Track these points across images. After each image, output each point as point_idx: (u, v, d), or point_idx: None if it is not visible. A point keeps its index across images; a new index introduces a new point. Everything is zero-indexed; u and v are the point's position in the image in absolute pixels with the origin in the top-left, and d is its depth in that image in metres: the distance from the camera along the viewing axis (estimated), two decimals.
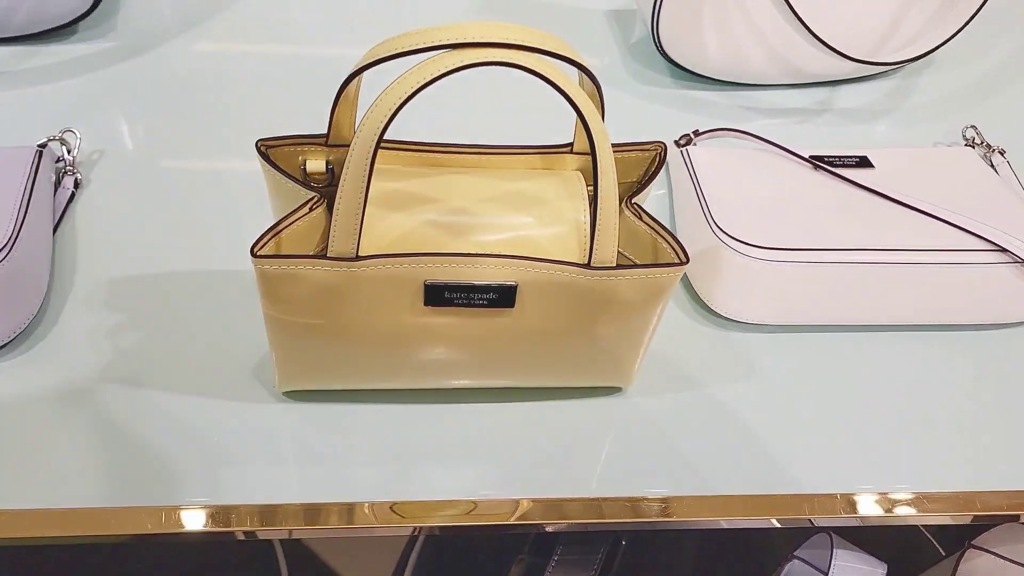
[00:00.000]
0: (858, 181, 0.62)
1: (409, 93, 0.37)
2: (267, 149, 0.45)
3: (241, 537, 0.47)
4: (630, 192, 0.47)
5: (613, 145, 0.47)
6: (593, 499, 0.48)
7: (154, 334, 0.53)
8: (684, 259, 0.44)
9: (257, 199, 0.59)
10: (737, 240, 0.57)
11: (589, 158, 0.47)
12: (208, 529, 0.46)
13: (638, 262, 0.47)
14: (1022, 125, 0.75)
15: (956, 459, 0.52)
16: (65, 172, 0.60)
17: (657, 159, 0.47)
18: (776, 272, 0.56)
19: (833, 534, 0.63)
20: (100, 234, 0.58)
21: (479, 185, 0.45)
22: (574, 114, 0.40)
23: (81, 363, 0.51)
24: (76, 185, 0.60)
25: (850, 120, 0.73)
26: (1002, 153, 0.70)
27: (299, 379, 0.50)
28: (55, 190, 0.59)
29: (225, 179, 0.62)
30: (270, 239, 0.42)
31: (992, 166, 0.70)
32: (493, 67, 0.36)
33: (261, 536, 0.48)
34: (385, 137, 0.45)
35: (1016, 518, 0.52)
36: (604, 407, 0.53)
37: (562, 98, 0.38)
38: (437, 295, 0.44)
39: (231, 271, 0.56)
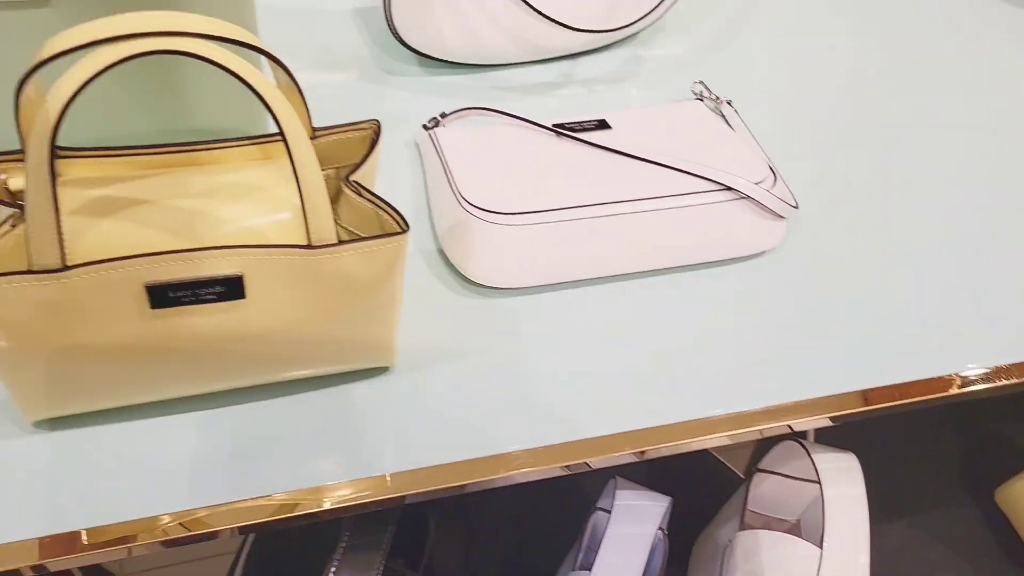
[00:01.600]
0: (596, 142, 0.66)
1: (76, 88, 0.36)
2: None
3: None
4: (349, 171, 0.48)
5: (329, 128, 0.49)
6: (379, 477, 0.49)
7: None
8: (404, 228, 0.46)
9: None
10: (481, 209, 0.59)
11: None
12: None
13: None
14: (747, 77, 0.81)
15: (720, 383, 0.56)
16: None
17: (373, 136, 0.49)
18: (521, 236, 0.59)
19: (619, 477, 0.67)
20: None
21: (195, 181, 0.45)
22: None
23: None
24: None
25: (592, 89, 0.77)
26: (729, 103, 0.76)
27: (45, 407, 0.48)
28: None
29: None
30: None
31: (723, 117, 0.76)
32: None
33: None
34: (82, 146, 0.45)
35: (794, 432, 0.57)
36: (374, 387, 0.54)
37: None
38: (162, 296, 0.43)
39: None
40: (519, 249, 0.59)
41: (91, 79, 0.36)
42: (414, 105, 0.72)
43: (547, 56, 0.77)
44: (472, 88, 0.75)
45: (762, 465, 0.76)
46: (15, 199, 0.45)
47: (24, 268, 0.41)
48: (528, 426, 0.53)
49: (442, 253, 0.62)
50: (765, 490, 0.76)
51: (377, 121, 0.49)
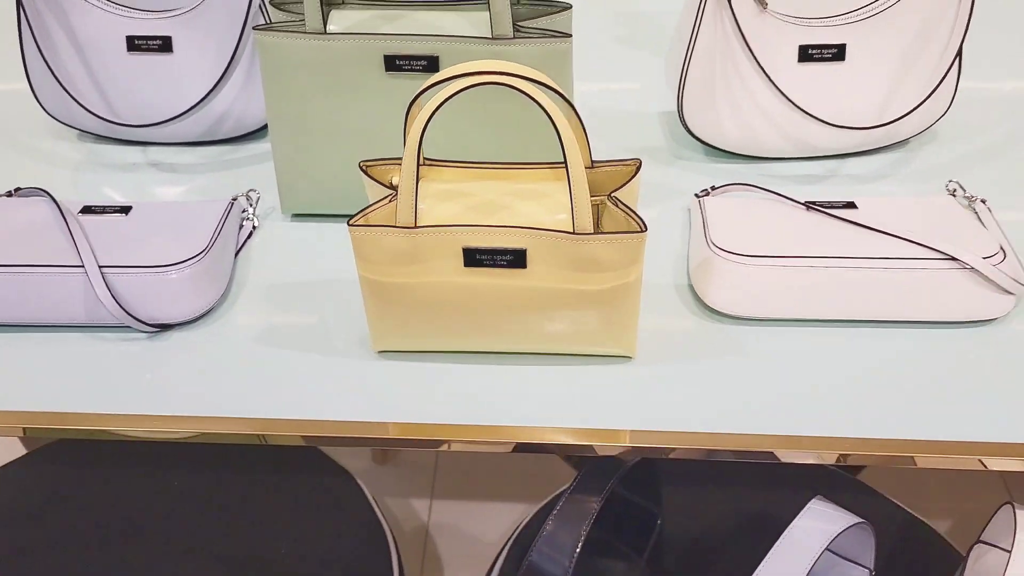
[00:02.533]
0: (841, 216, 0.77)
1: (437, 104, 0.58)
2: (367, 167, 0.67)
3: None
4: (613, 189, 0.66)
5: (605, 161, 0.67)
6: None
7: (293, 321, 0.76)
8: (643, 228, 0.62)
9: None
10: (722, 249, 0.73)
11: (587, 171, 0.67)
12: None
13: None
14: (1010, 187, 0.87)
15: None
16: (247, 218, 0.85)
17: (636, 169, 0.66)
18: (750, 273, 0.72)
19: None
20: (263, 260, 0.82)
21: (504, 187, 0.66)
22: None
23: (240, 335, 0.74)
24: (253, 227, 0.85)
25: (854, 183, 0.88)
26: (983, 202, 0.83)
27: (385, 338, 0.70)
28: (239, 229, 0.84)
29: None
30: (361, 216, 0.64)
31: (974, 212, 0.83)
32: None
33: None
34: (439, 158, 0.67)
35: None
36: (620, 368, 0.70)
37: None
38: (472, 257, 0.63)
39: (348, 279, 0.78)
40: (749, 284, 0.73)
41: (446, 100, 0.58)
42: (695, 182, 0.89)
43: (817, 154, 0.91)
44: (745, 174, 0.90)
45: (984, 537, 0.78)
46: (394, 188, 0.68)
47: (391, 224, 0.64)
48: (738, 415, 0.65)
49: (691, 288, 0.77)
50: (986, 565, 0.77)
51: (639, 160, 0.66)
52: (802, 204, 0.80)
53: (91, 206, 0.81)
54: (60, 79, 0.91)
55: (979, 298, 0.72)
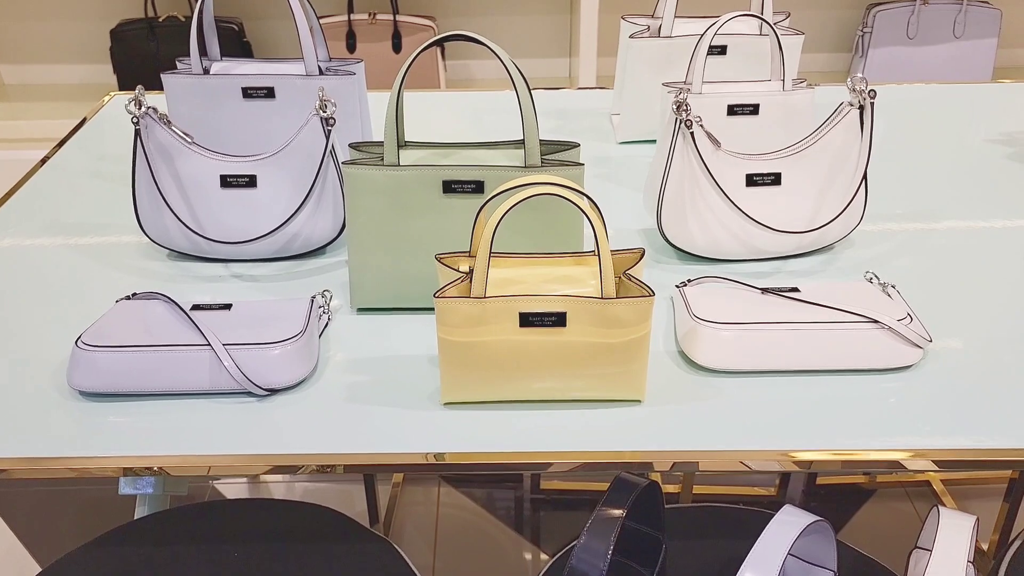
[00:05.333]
0: (789, 295, 1.02)
1: (509, 207, 0.82)
2: (441, 259, 0.91)
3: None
4: (625, 269, 0.90)
5: (621, 249, 0.91)
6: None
7: (370, 384, 0.96)
8: (651, 293, 0.86)
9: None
10: (704, 320, 0.97)
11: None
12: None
13: None
14: (911, 277, 1.14)
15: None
16: (324, 311, 1.07)
17: (641, 255, 0.91)
18: (725, 336, 0.96)
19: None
20: (341, 343, 1.03)
21: (545, 270, 0.90)
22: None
23: (332, 394, 0.95)
24: (328, 318, 1.07)
25: (795, 276, 1.14)
26: (893, 287, 1.10)
27: (453, 390, 0.91)
28: (319, 318, 1.06)
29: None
30: (442, 291, 0.87)
31: (887, 295, 1.09)
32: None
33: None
34: (494, 250, 0.91)
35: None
36: (631, 411, 0.91)
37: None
38: (526, 319, 0.86)
39: (408, 355, 1.00)
40: (725, 345, 0.96)
41: (516, 204, 0.82)
42: (674, 278, 1.14)
43: (765, 256, 1.17)
44: (712, 272, 1.15)
45: (919, 543, 0.98)
46: (460, 272, 0.91)
47: (467, 295, 0.86)
48: (726, 436, 0.88)
49: (680, 352, 1.00)
50: (920, 569, 0.98)
51: (643, 248, 0.91)
52: (759, 289, 1.05)
53: (198, 304, 1.02)
54: (170, 205, 1.14)
55: (894, 350, 0.96)
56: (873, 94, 1.11)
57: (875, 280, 1.11)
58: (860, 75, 1.12)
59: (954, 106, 1.69)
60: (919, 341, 0.97)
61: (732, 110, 1.28)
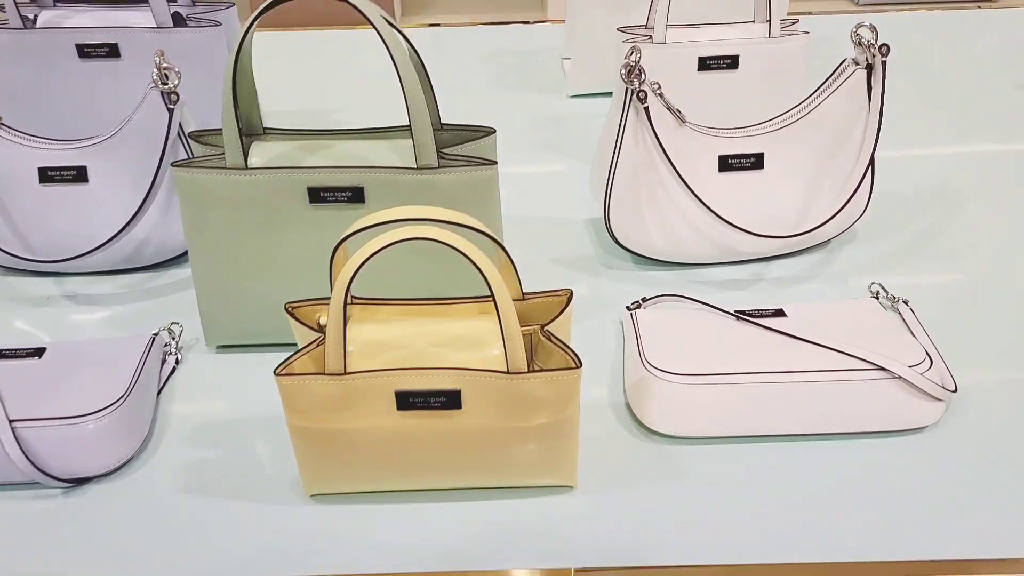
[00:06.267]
0: (771, 326, 0.78)
1: (359, 264, 0.57)
2: (293, 309, 0.66)
3: None
4: (545, 323, 0.65)
5: (534, 293, 0.67)
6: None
7: (220, 465, 0.72)
8: (578, 364, 0.61)
9: None
10: (658, 369, 0.73)
11: (519, 304, 0.67)
12: None
13: None
14: (929, 282, 0.90)
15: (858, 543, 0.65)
16: (169, 352, 0.82)
17: (567, 300, 0.66)
18: (687, 392, 0.72)
19: None
20: (188, 397, 0.79)
21: (435, 324, 0.65)
22: None
23: (164, 485, 0.71)
24: (176, 361, 0.82)
25: (779, 286, 0.90)
26: (906, 302, 0.85)
27: (318, 483, 0.67)
28: (161, 364, 0.81)
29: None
30: (287, 364, 0.62)
31: (898, 313, 0.85)
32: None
33: None
34: (367, 296, 0.66)
35: None
36: (558, 500, 0.68)
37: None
38: (405, 401, 0.62)
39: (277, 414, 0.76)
40: (687, 405, 0.72)
41: (368, 259, 0.57)
42: (625, 292, 0.89)
43: (741, 258, 0.92)
44: (674, 282, 0.90)
45: None
46: (321, 329, 0.66)
47: (320, 371, 0.62)
48: (687, 545, 0.64)
49: (628, 406, 0.77)
50: None
51: (570, 290, 0.66)
52: (732, 314, 0.80)
53: (2, 350, 0.78)
54: None
55: (909, 407, 0.73)
56: (886, 50, 0.85)
57: (882, 294, 0.87)
58: (867, 23, 0.85)
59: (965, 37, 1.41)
60: (939, 393, 0.73)
61: (704, 64, 1.01)
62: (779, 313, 0.81)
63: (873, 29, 0.85)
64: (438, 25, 1.48)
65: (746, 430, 0.73)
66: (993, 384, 0.78)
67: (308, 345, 0.64)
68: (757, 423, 0.73)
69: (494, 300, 0.59)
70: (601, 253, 0.95)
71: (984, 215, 1.00)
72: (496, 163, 0.74)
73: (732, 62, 1.01)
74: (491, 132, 0.78)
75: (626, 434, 0.75)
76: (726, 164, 0.89)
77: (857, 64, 0.86)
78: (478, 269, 0.58)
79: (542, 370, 0.62)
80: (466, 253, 0.57)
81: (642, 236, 0.90)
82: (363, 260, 0.57)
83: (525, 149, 1.15)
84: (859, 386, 0.72)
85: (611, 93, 0.91)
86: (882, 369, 0.73)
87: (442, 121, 0.78)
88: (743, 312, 0.81)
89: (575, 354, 0.63)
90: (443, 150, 0.75)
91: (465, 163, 0.74)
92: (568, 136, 1.18)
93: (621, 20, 1.15)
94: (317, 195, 0.74)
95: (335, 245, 0.62)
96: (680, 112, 0.86)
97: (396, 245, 0.57)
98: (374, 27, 0.68)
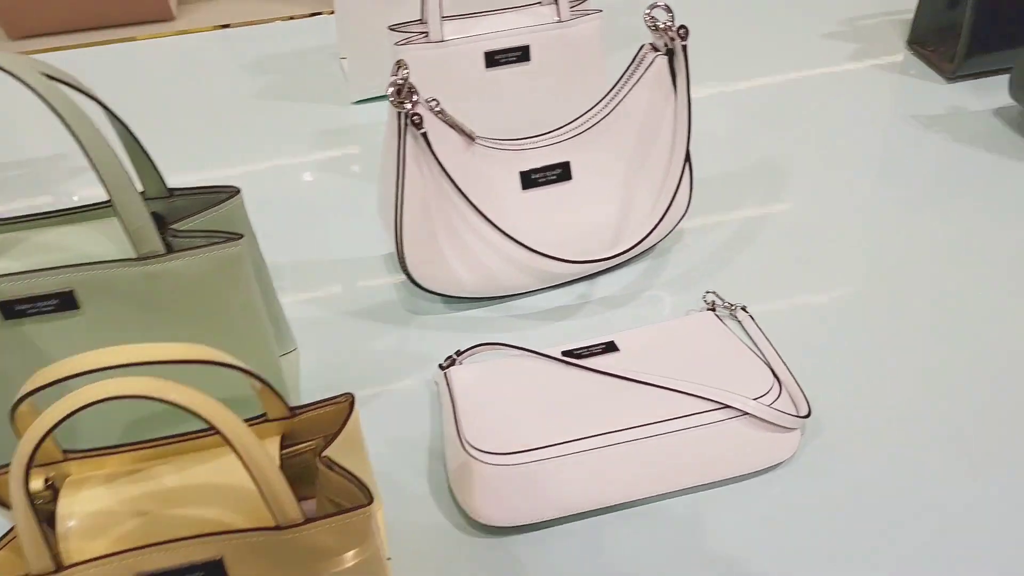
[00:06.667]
0: (600, 368, 0.68)
1: (48, 428, 0.42)
2: None
3: None
4: (324, 443, 0.52)
5: (307, 405, 0.53)
6: None
7: None
8: (368, 500, 0.49)
9: None
10: (481, 451, 0.62)
11: (284, 424, 0.53)
12: None
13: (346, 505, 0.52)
14: (762, 279, 0.82)
15: None
16: None
17: (347, 409, 0.53)
18: (518, 475, 0.61)
19: None
20: None
21: (176, 473, 0.50)
22: None
23: None
24: None
25: (609, 307, 0.80)
26: (744, 309, 0.77)
27: None
28: None
29: None
30: None
31: (738, 321, 0.77)
32: None
33: None
34: (77, 449, 0.50)
35: None
36: None
37: None
38: None
39: None
40: (518, 489, 0.61)
41: (63, 420, 0.42)
42: (437, 343, 0.77)
43: (562, 280, 0.81)
44: (492, 320, 0.79)
45: None
46: (35, 498, 0.50)
47: (22, 574, 0.46)
48: None
49: (452, 493, 0.65)
50: None
51: (351, 395, 0.53)
52: (558, 359, 0.69)
53: None
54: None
55: (762, 444, 0.64)
56: (684, 32, 0.74)
57: (718, 303, 0.78)
58: (661, 2, 0.75)
59: None
60: (792, 423, 0.65)
61: (492, 59, 0.88)
62: (610, 347, 0.71)
63: (668, 9, 0.74)
64: (191, 31, 1.28)
65: (590, 503, 0.63)
66: (845, 388, 0.71)
67: (8, 534, 0.48)
68: (602, 493, 0.63)
69: (238, 455, 0.45)
70: (404, 296, 0.82)
71: (802, 155, 0.93)
72: (242, 236, 0.59)
73: (523, 54, 0.88)
74: (235, 193, 0.63)
75: (452, 528, 0.63)
76: (529, 180, 0.77)
77: (656, 50, 0.76)
78: (204, 421, 0.44)
79: (323, 516, 0.48)
80: (184, 405, 0.43)
81: (446, 275, 0.77)
82: (41, 435, 0.42)
83: (305, 171, 1.00)
84: (706, 431, 0.63)
85: None
86: (728, 407, 0.64)
87: (169, 187, 0.63)
88: (570, 352, 0.70)
89: (363, 485, 0.50)
90: (173, 226, 0.60)
91: (205, 242, 0.59)
92: (355, 153, 1.03)
93: (396, 9, 1.01)
94: (12, 310, 0.57)
95: (13, 403, 0.46)
96: (467, 129, 0.73)
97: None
98: (32, 89, 0.51)
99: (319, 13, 1.29)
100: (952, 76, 1.07)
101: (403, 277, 0.84)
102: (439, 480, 0.66)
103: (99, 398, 0.42)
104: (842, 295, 0.79)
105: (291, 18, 1.27)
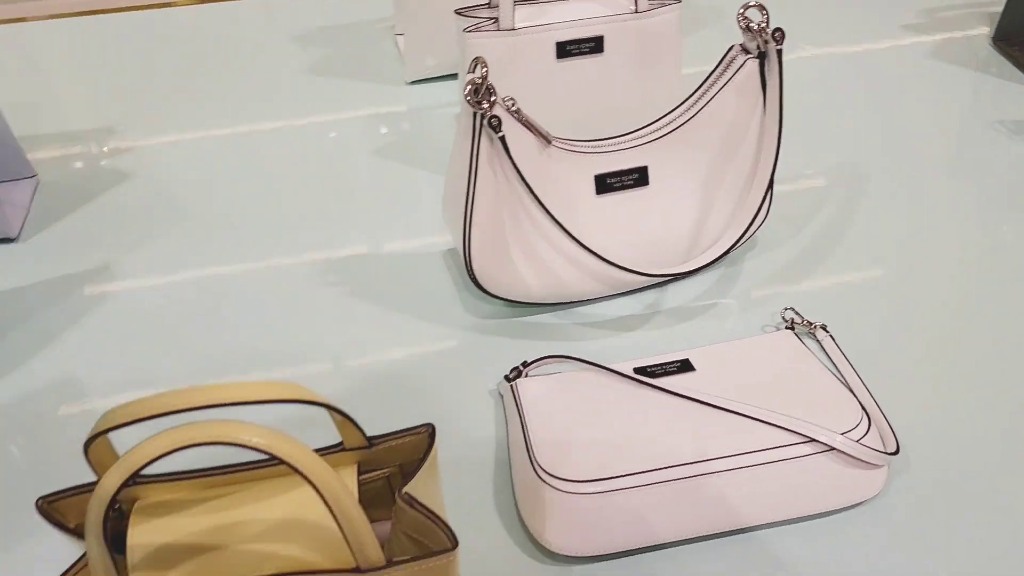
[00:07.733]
0: (679, 391, 0.64)
1: (132, 471, 0.39)
2: (48, 506, 0.47)
3: None
4: (398, 475, 0.49)
5: (385, 436, 0.50)
6: None
7: None
8: (452, 544, 0.46)
9: None
10: (556, 477, 0.59)
11: (361, 452, 0.50)
12: None
13: (431, 546, 0.49)
14: (844, 295, 0.78)
15: None
16: None
17: (428, 440, 0.50)
18: (595, 504, 0.58)
19: None
20: None
21: (246, 505, 0.48)
22: None
23: None
24: None
25: (680, 319, 0.76)
26: (824, 328, 0.74)
27: None
28: None
29: None
30: None
31: (818, 342, 0.73)
32: None
33: None
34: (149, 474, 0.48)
35: None
36: None
37: None
38: None
39: None
40: (593, 518, 0.58)
41: (148, 464, 0.39)
42: (501, 350, 0.74)
43: (630, 288, 0.78)
44: (557, 327, 0.76)
45: None
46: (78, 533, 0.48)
47: None
48: None
49: (519, 514, 0.62)
50: None
51: (431, 425, 0.50)
52: (631, 377, 0.66)
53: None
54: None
55: (848, 479, 0.61)
56: (780, 35, 0.70)
57: (797, 321, 0.74)
58: (754, 1, 0.70)
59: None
60: (880, 459, 0.62)
61: (564, 49, 0.84)
62: (685, 366, 0.68)
63: (763, 9, 0.70)
64: None
65: (665, 536, 0.60)
66: (932, 422, 0.67)
67: (76, 565, 0.46)
68: (678, 526, 0.60)
69: (320, 495, 0.42)
70: (465, 296, 0.79)
71: (888, 195, 0.89)
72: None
73: (596, 44, 0.84)
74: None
75: (522, 554, 0.60)
76: (604, 185, 0.73)
77: (747, 53, 0.72)
78: (304, 477, 0.41)
79: (404, 560, 0.46)
80: (286, 459, 0.40)
81: (514, 281, 0.74)
82: (125, 478, 0.39)
83: (358, 155, 0.96)
84: (790, 465, 0.60)
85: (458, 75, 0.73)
86: (814, 441, 0.60)
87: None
88: (643, 369, 0.67)
89: (447, 528, 0.47)
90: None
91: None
92: (410, 135, 0.99)
93: None
94: None
95: (89, 436, 0.43)
96: (543, 130, 0.70)
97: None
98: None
99: None
100: None
101: (462, 274, 0.81)
102: (504, 497, 0.64)
103: (183, 444, 0.39)
104: (929, 313, 0.76)
105: None
